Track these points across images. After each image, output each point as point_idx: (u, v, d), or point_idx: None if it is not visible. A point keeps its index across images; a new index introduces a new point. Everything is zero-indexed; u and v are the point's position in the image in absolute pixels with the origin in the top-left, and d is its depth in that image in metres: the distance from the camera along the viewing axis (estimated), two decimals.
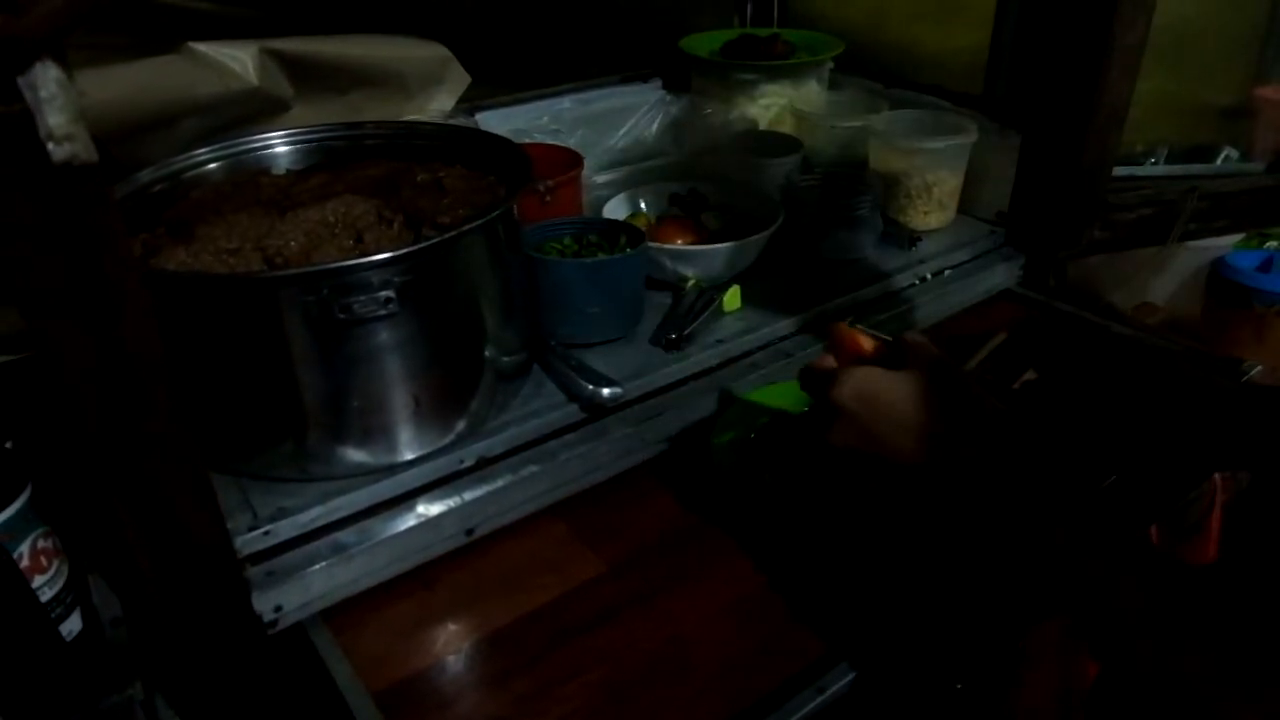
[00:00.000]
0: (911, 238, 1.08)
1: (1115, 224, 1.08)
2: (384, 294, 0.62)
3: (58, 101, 0.42)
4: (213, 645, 0.61)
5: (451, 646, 0.66)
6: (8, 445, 0.67)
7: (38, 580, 0.65)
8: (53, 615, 0.66)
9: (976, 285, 1.08)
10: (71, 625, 0.68)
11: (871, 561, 0.71)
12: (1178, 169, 1.20)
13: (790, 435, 0.80)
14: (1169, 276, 1.44)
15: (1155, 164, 1.32)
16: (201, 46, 0.80)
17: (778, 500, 0.76)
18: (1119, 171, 1.08)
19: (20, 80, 0.41)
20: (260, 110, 0.88)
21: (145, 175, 0.75)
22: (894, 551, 0.72)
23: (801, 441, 0.79)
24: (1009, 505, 0.56)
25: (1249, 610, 0.48)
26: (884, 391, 0.60)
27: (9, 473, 0.64)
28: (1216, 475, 0.92)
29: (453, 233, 0.64)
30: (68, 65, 0.43)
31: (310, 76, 0.91)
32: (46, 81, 0.42)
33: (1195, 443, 0.86)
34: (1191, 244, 1.33)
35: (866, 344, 0.65)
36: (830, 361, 0.65)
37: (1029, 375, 0.88)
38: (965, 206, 1.14)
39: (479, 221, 0.65)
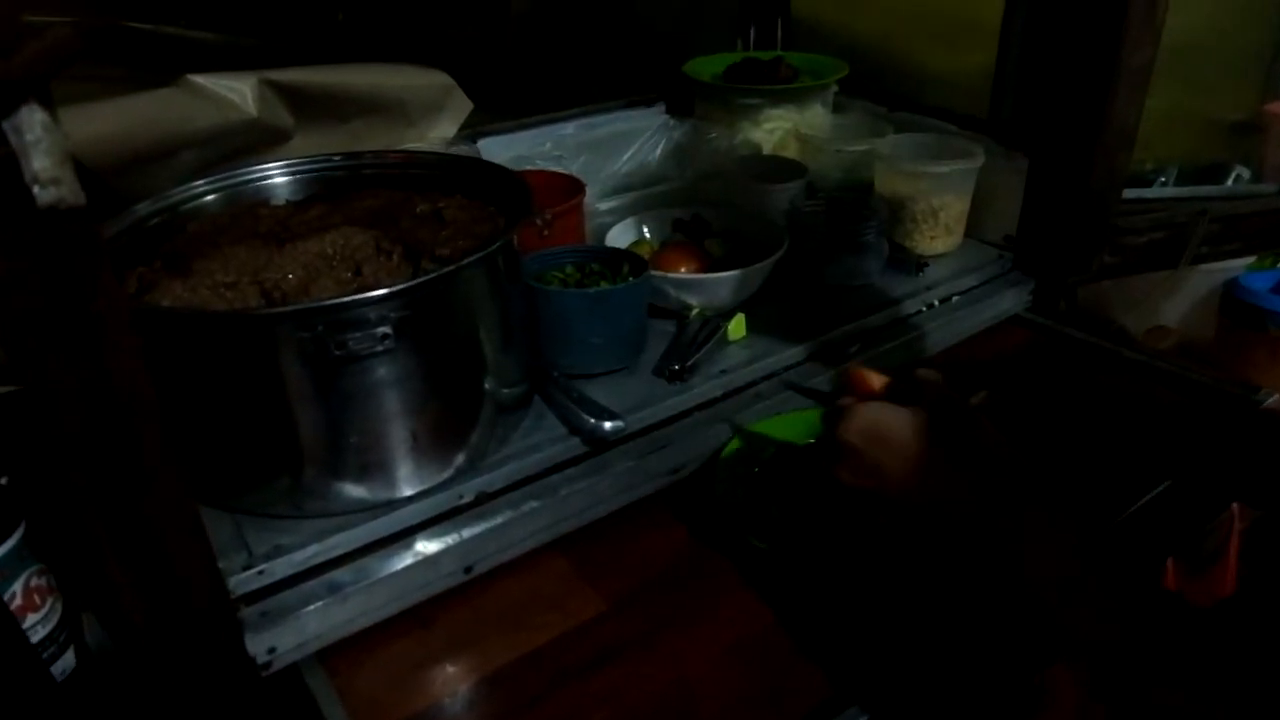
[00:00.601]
0: (918, 263, 1.07)
1: (1125, 248, 1.07)
2: (380, 330, 0.61)
3: (43, 145, 0.42)
4: (204, 687, 0.60)
5: (449, 688, 0.64)
6: (3, 481, 0.67)
7: (31, 619, 0.64)
8: (46, 654, 0.65)
9: (985, 311, 1.06)
10: (65, 664, 0.67)
11: (881, 598, 0.69)
12: (1187, 190, 1.19)
13: (796, 468, 0.79)
14: (1181, 299, 1.43)
15: (1165, 184, 1.31)
16: (200, 78, 0.80)
17: (784, 534, 0.74)
18: (1128, 193, 1.07)
19: (5, 124, 0.40)
20: (260, 141, 0.88)
21: (142, 208, 0.74)
22: (904, 588, 0.70)
23: (808, 474, 0.77)
24: (1003, 548, 0.55)
25: (1252, 642, 0.47)
26: (889, 427, 0.59)
27: (3, 510, 0.64)
28: (1234, 504, 0.91)
29: (450, 267, 0.63)
30: (54, 107, 0.42)
31: (310, 106, 0.91)
32: (32, 125, 0.41)
33: (1212, 471, 0.84)
34: (1204, 266, 1.31)
35: (876, 382, 0.64)
36: (847, 401, 0.64)
37: (980, 397, 0.85)
38: (973, 231, 1.13)
39: (476, 255, 0.65)
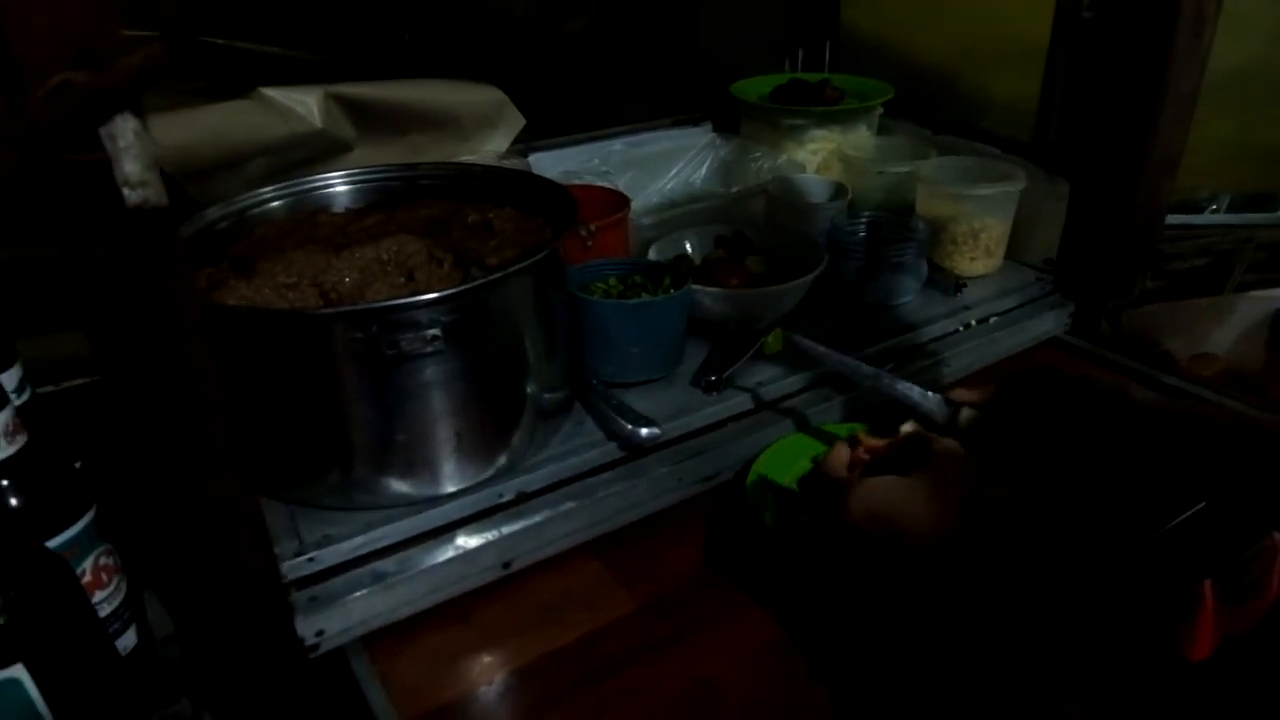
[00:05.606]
0: (957, 284, 1.08)
1: (1169, 273, 1.07)
2: (430, 332, 0.65)
3: (134, 150, 0.46)
4: (257, 666, 0.64)
5: (483, 679, 0.67)
6: (77, 465, 0.71)
7: (98, 595, 0.68)
8: (110, 630, 0.69)
9: (1023, 332, 1.07)
10: (127, 640, 0.71)
11: (907, 620, 0.70)
12: (1236, 218, 1.18)
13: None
14: (1231, 327, 1.40)
15: (1216, 211, 1.29)
16: (270, 91, 0.85)
17: (814, 544, 0.75)
18: (1174, 220, 1.07)
19: (102, 131, 0.45)
20: (324, 151, 0.92)
21: (212, 213, 0.79)
22: (928, 615, 0.70)
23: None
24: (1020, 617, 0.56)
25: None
26: (895, 504, 0.60)
27: (77, 491, 0.68)
28: (1274, 533, 0.89)
29: (497, 275, 0.67)
30: (145, 116, 0.46)
31: (372, 119, 0.95)
32: (125, 132, 0.45)
33: (1254, 497, 0.83)
34: (1255, 293, 1.30)
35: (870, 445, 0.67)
36: (835, 466, 0.66)
37: (968, 414, 0.83)
38: (1013, 253, 1.14)
39: (521, 264, 0.68)
